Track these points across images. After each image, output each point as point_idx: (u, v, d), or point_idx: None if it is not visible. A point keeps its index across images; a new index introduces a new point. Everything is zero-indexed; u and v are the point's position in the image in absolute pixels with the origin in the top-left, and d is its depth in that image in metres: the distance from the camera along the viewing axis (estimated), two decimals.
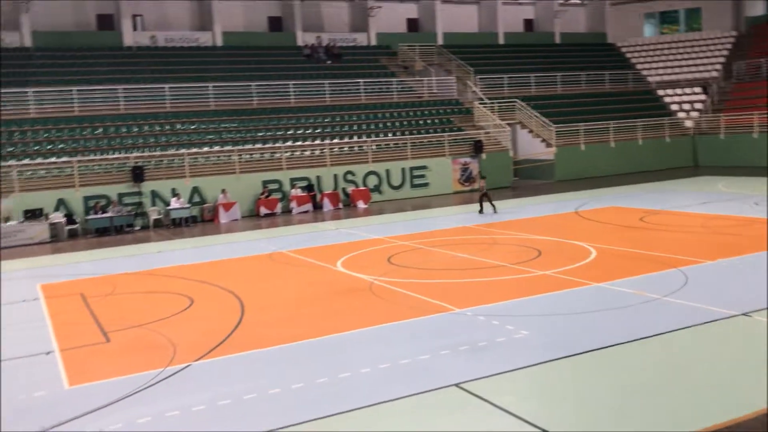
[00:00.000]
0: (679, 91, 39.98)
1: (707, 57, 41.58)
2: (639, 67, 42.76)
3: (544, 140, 34.25)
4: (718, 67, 40.42)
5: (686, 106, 38.84)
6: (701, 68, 40.84)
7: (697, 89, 39.36)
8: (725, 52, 41.44)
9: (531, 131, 34.74)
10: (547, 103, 37.05)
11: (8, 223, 22.97)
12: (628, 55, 43.91)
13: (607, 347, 9.36)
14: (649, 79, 41.74)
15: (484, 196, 23.42)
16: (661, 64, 42.37)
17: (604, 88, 40.13)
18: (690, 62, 41.64)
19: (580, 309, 11.29)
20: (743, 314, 10.37)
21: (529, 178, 34.50)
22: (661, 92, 40.47)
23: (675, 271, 13.38)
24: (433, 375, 8.70)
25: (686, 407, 7.46)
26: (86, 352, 10.66)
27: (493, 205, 23.34)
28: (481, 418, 7.46)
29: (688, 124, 37.31)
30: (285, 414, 7.80)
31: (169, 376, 9.25)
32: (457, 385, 8.31)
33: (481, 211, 23.23)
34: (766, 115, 33.38)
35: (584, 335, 9.95)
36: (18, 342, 11.35)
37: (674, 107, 39.11)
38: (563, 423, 7.20)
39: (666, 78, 41.39)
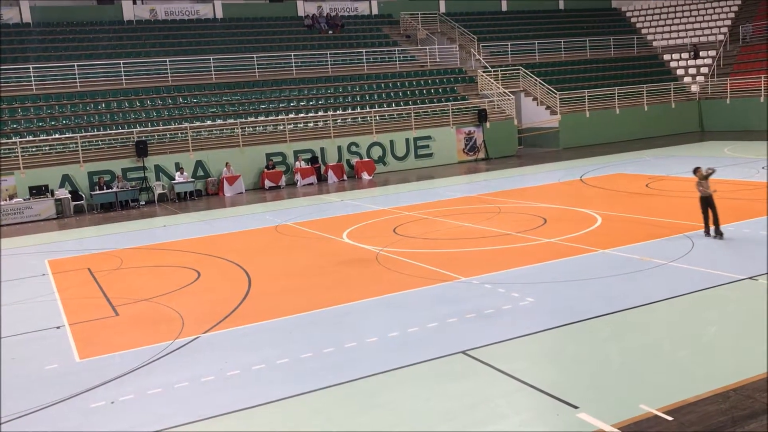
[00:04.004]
0: (684, 55, 39.53)
1: (713, 20, 41.03)
2: (644, 32, 42.26)
3: (548, 108, 34.01)
4: (725, 30, 39.91)
5: (692, 71, 38.44)
6: (707, 32, 40.32)
7: (703, 53, 38.90)
8: (732, 15, 40.88)
9: (535, 99, 34.48)
10: (552, 70, 36.73)
11: (14, 200, 23.04)
12: (633, 20, 43.38)
13: (613, 313, 9.39)
14: (655, 44, 41.28)
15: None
16: (666, 29, 41.85)
17: (608, 54, 39.71)
18: (696, 26, 41.11)
19: (587, 276, 11.31)
20: (749, 278, 10.38)
21: (534, 146, 34.33)
22: (666, 57, 40.05)
23: (681, 236, 13.37)
24: (440, 343, 8.75)
25: (694, 370, 7.49)
26: (96, 325, 10.75)
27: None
28: (488, 384, 7.52)
29: (694, 89, 36.96)
30: (293, 383, 7.87)
31: (179, 348, 9.33)
32: (464, 352, 8.36)
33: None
34: None
35: (590, 301, 9.97)
36: (28, 317, 11.46)
37: (680, 72, 38.72)
38: (570, 388, 7.24)
39: (671, 42, 40.92)
